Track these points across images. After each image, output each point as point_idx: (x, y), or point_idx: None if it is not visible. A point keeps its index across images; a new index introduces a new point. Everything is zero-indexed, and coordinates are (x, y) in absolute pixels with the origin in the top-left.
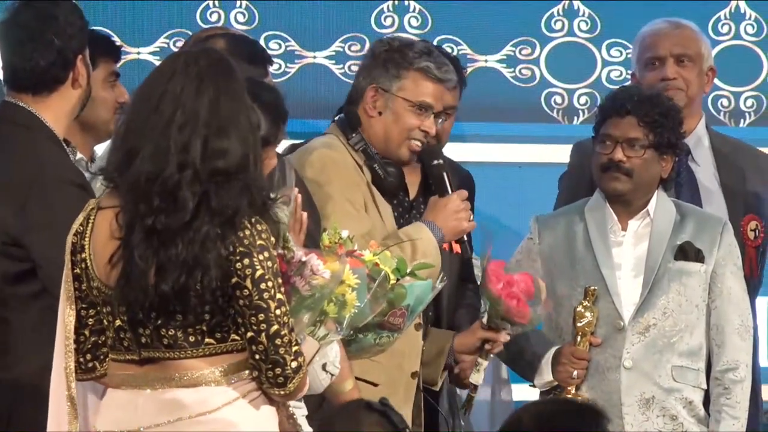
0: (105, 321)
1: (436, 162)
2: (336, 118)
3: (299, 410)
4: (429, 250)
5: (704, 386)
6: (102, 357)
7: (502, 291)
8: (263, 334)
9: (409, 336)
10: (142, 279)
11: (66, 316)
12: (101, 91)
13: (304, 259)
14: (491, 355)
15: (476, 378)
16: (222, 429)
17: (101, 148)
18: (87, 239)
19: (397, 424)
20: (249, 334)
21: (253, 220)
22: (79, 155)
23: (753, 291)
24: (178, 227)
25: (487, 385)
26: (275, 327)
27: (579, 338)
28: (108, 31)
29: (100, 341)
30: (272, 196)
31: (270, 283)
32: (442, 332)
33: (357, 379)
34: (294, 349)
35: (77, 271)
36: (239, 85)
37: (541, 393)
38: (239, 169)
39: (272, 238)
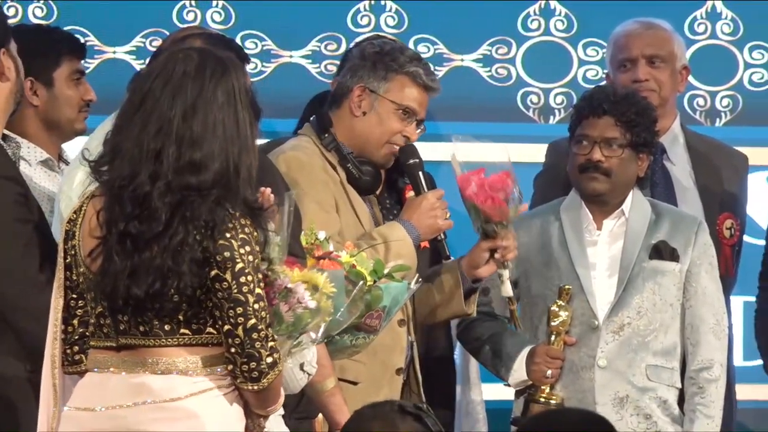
0: (89, 307)
1: (411, 161)
2: (311, 118)
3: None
4: (403, 250)
5: (679, 385)
6: (89, 350)
7: (475, 195)
8: (240, 328)
9: (393, 332)
10: (119, 277)
11: (56, 305)
12: (65, 89)
13: (290, 286)
14: (507, 269)
15: (505, 290)
16: (183, 418)
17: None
18: (78, 227)
19: (431, 427)
20: (226, 327)
21: (237, 214)
22: (46, 155)
23: (728, 289)
24: (153, 235)
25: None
26: (252, 321)
27: (553, 337)
28: (84, 30)
29: (87, 333)
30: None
31: (250, 277)
32: (445, 267)
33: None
34: (270, 344)
35: (68, 259)
36: (228, 91)
37: (516, 392)
38: (214, 183)
39: (255, 233)
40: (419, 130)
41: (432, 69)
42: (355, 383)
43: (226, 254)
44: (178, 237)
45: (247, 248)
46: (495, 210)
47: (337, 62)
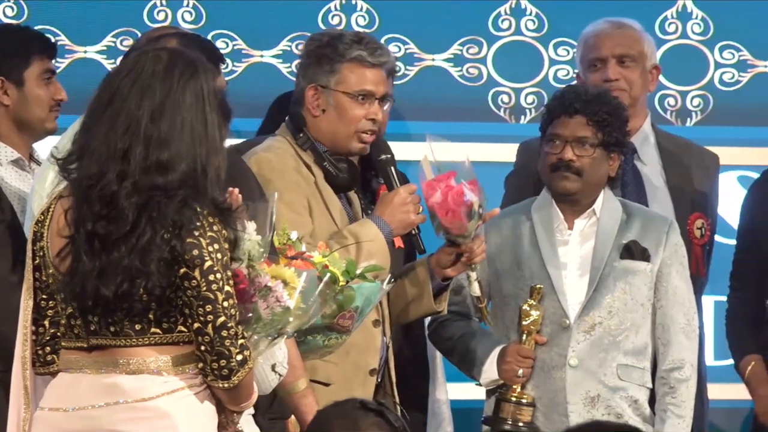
0: (59, 308)
1: (383, 157)
2: (286, 118)
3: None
4: (375, 249)
5: (650, 385)
6: (60, 351)
7: (438, 206)
8: (210, 326)
9: (367, 332)
10: (88, 278)
11: (26, 306)
12: (36, 88)
13: (270, 284)
14: (474, 272)
15: (474, 290)
16: (155, 418)
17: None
18: (46, 228)
19: (394, 423)
20: (196, 325)
21: (205, 212)
22: (17, 155)
23: (699, 289)
24: (120, 235)
25: None
26: (222, 319)
27: (525, 337)
28: (55, 29)
29: (59, 333)
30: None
31: (219, 275)
32: (416, 265)
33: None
34: (240, 342)
35: (37, 261)
36: (196, 92)
37: (487, 392)
38: (181, 184)
39: (224, 232)
40: (387, 106)
41: (376, 42)
42: (326, 384)
43: (195, 252)
44: (146, 237)
45: (216, 246)
46: (454, 225)
47: None
